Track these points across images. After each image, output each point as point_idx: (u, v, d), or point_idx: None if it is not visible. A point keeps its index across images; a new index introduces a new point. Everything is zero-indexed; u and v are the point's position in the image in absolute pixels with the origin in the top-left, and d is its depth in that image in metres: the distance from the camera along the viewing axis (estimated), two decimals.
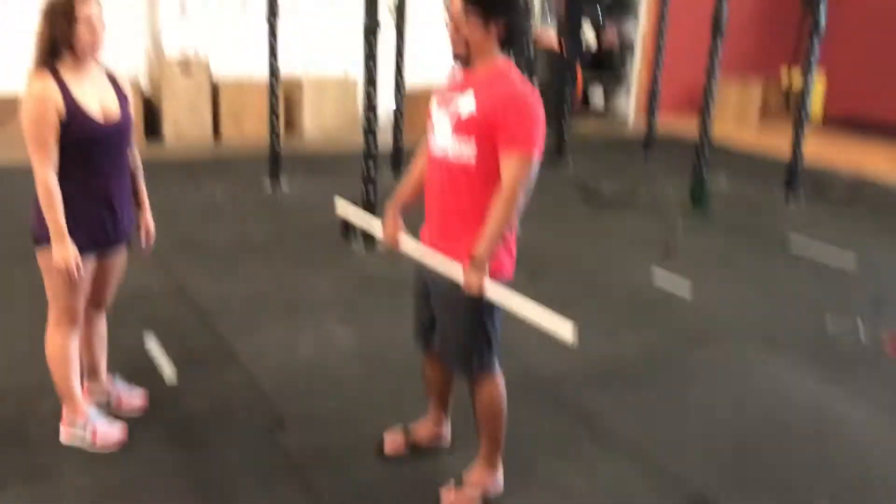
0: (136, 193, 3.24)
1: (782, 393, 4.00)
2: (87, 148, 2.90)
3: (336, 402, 3.67)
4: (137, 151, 3.24)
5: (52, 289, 3.03)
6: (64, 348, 3.11)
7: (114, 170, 3.02)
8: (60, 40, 2.83)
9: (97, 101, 2.92)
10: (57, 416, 3.26)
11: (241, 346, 4.14)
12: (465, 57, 2.73)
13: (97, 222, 3.00)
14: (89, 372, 3.41)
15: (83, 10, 2.82)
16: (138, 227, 3.28)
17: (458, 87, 2.77)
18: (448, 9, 2.71)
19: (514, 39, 2.74)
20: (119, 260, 3.22)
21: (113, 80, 3.05)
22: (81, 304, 3.09)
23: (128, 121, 3.04)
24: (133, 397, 3.48)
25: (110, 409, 3.41)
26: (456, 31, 2.69)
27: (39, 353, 3.83)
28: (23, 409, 3.46)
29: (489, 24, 2.66)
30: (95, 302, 3.25)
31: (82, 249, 2.94)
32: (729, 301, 5.18)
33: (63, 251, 2.88)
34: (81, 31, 2.82)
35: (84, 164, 2.91)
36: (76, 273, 2.92)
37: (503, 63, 2.75)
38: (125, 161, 3.09)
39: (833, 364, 4.34)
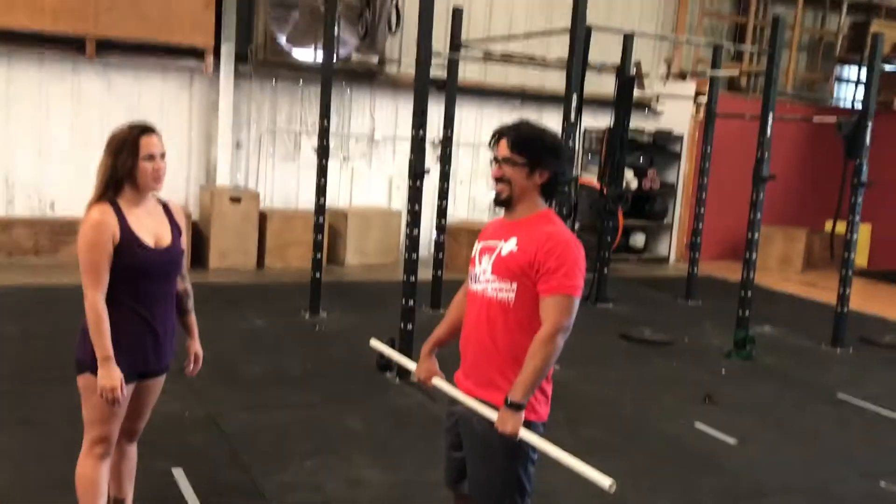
0: (186, 322, 3.27)
1: None
2: (137, 274, 2.96)
3: None
4: (189, 282, 3.29)
5: (90, 415, 3.02)
6: (94, 474, 3.07)
7: (161, 298, 3.06)
8: (123, 173, 2.93)
9: (151, 230, 3.01)
10: None
11: (269, 482, 4.05)
12: (507, 201, 2.78)
13: (140, 349, 3.01)
14: (115, 502, 3.35)
15: (147, 146, 2.93)
16: (187, 354, 3.29)
17: (502, 230, 2.80)
18: (495, 153, 2.78)
19: (557, 188, 2.78)
20: (156, 389, 3.22)
21: (168, 212, 3.14)
22: (117, 431, 3.08)
23: (178, 250, 3.11)
24: None
25: None
26: (501, 175, 2.75)
27: (67, 478, 3.79)
28: None
29: (534, 171, 2.72)
30: (128, 433, 3.23)
31: (124, 376, 2.93)
32: (775, 453, 4.97)
33: (109, 376, 2.88)
34: (144, 165, 2.93)
35: (133, 291, 2.96)
36: (119, 398, 2.91)
37: (545, 209, 2.79)
38: (173, 290, 3.14)
39: None
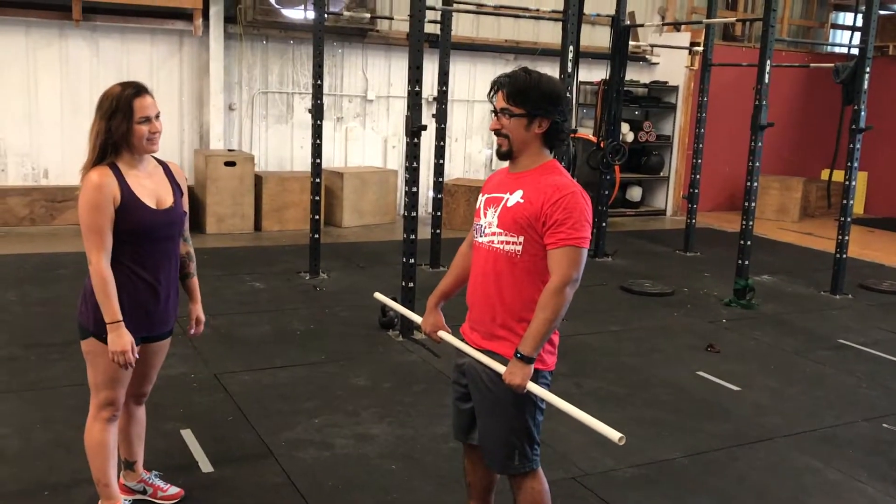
0: (188, 285, 3.23)
1: (838, 497, 3.80)
2: (139, 237, 2.90)
3: (374, 502, 3.55)
4: (192, 245, 3.24)
5: (96, 379, 2.99)
6: (103, 438, 3.05)
7: (164, 260, 3.01)
8: (117, 137, 2.84)
9: (152, 191, 2.94)
10: None
11: (277, 440, 4.06)
12: (508, 153, 2.73)
13: (144, 312, 2.97)
14: (126, 465, 3.35)
15: (142, 109, 2.85)
16: (189, 318, 3.26)
17: (507, 182, 2.77)
18: (493, 106, 2.73)
19: (558, 136, 2.73)
20: (161, 352, 3.20)
21: (169, 174, 3.07)
22: (123, 395, 3.06)
23: (180, 211, 3.05)
24: (168, 493, 3.39)
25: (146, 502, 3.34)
26: (499, 127, 2.70)
27: (74, 443, 3.80)
28: (57, 499, 3.39)
29: (533, 121, 2.67)
30: (136, 396, 3.22)
31: None
32: (779, 399, 5.01)
33: (120, 340, 2.83)
34: (140, 129, 2.85)
35: (135, 254, 2.91)
36: (132, 361, 2.87)
37: (549, 159, 2.75)
38: (176, 252, 3.09)
39: (891, 466, 4.13)
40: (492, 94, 2.74)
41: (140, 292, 2.94)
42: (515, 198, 2.69)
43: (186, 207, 3.13)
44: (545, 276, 2.65)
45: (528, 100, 2.65)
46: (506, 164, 2.83)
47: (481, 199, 2.85)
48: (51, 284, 6.61)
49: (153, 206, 2.93)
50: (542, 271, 2.66)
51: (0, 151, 8.81)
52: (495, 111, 2.72)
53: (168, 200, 2.99)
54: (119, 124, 2.82)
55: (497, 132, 2.72)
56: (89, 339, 2.94)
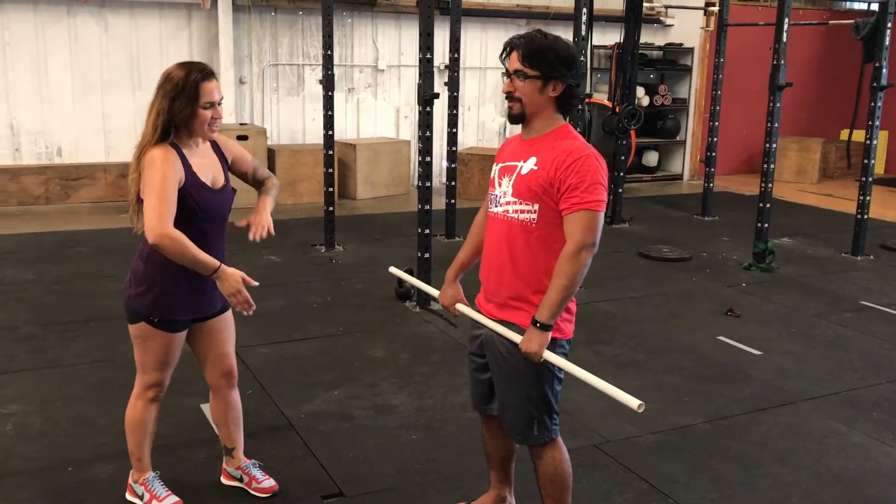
0: (262, 198, 3.14)
1: (863, 460, 3.76)
2: (196, 217, 2.85)
3: (394, 474, 3.54)
4: (266, 171, 3.25)
5: (145, 361, 2.99)
6: (143, 417, 3.07)
7: (214, 239, 2.96)
8: (179, 120, 2.78)
9: (209, 172, 2.91)
10: (112, 484, 3.25)
11: (297, 412, 4.06)
12: (520, 117, 2.67)
13: (192, 293, 2.94)
14: (225, 451, 3.34)
15: (208, 93, 2.79)
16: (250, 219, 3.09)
17: (520, 150, 2.71)
18: (506, 68, 2.66)
19: (571, 102, 2.66)
20: (224, 328, 3.15)
21: (218, 150, 3.02)
22: (169, 378, 3.06)
23: (230, 189, 3.01)
24: (262, 486, 3.31)
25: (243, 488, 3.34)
26: (512, 90, 2.64)
27: (96, 419, 3.82)
28: (79, 475, 3.41)
29: (547, 84, 2.60)
30: (224, 376, 3.19)
31: (177, 321, 2.90)
32: (801, 362, 4.96)
33: (228, 281, 2.79)
34: (203, 114, 2.79)
35: (191, 235, 2.81)
36: (249, 298, 2.85)
37: (562, 124, 2.68)
38: (224, 233, 3.04)
39: None
40: (504, 55, 2.67)
41: (191, 274, 2.86)
42: (529, 165, 2.63)
43: (248, 160, 3.15)
44: (561, 244, 2.59)
45: (543, 61, 2.58)
46: (518, 130, 2.77)
47: (495, 168, 2.79)
48: (67, 263, 6.63)
49: (210, 185, 2.89)
50: (558, 240, 2.61)
51: (13, 131, 8.81)
52: (508, 73, 2.65)
53: (221, 179, 2.96)
54: (183, 107, 2.76)
55: (509, 95, 2.65)
56: (140, 324, 2.90)
